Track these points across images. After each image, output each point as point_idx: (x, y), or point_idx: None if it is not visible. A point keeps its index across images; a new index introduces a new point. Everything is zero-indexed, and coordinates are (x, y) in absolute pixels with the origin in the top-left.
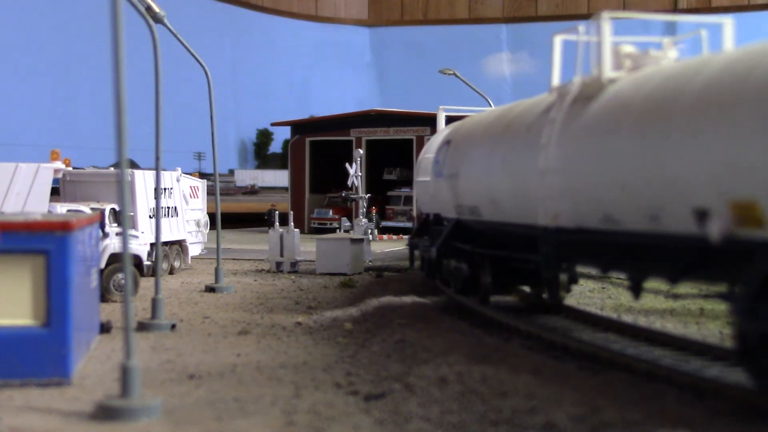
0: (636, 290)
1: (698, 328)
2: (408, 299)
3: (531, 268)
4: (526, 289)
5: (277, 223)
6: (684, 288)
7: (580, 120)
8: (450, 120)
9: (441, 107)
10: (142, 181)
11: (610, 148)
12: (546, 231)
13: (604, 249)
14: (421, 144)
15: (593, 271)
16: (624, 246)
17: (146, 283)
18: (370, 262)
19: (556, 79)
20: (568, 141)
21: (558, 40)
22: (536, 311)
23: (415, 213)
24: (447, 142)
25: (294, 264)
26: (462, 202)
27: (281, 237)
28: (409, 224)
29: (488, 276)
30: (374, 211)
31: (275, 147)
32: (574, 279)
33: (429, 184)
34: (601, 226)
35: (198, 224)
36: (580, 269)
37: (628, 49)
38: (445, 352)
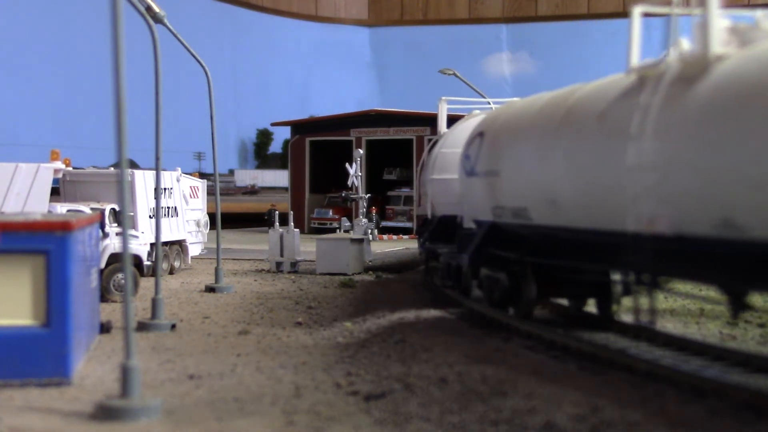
0: (738, 309)
1: (698, 328)
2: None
3: (587, 279)
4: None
5: (277, 223)
6: (684, 288)
7: (684, 105)
8: (450, 120)
9: (443, 98)
10: (142, 181)
11: (736, 138)
12: (638, 238)
13: (723, 262)
14: (421, 144)
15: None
16: (752, 258)
17: (146, 283)
18: (370, 262)
19: (635, 59)
20: (670, 131)
21: (637, 14)
22: (579, 325)
23: (428, 213)
24: (479, 135)
25: (294, 264)
26: (503, 203)
27: (281, 237)
28: (409, 224)
29: (533, 288)
30: (374, 211)
31: (275, 147)
32: (628, 290)
33: (452, 183)
34: (715, 233)
35: (198, 224)
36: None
37: (727, 23)
38: (445, 352)
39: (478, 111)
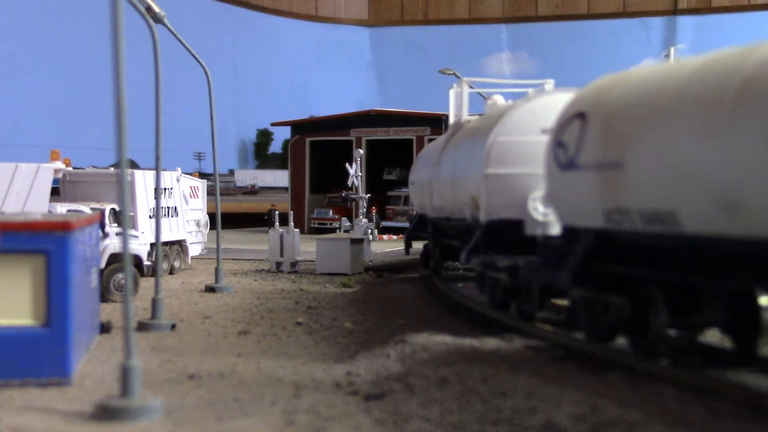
0: None
1: None
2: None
3: (725, 303)
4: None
5: (277, 223)
6: None
7: None
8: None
9: (464, 79)
10: (142, 181)
11: None
12: None
13: None
14: (421, 144)
15: None
16: None
17: (146, 283)
18: (370, 262)
19: None
20: None
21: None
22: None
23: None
24: (578, 117)
25: (294, 264)
26: (627, 204)
27: (281, 237)
28: (409, 224)
29: (663, 314)
30: (374, 211)
31: (275, 147)
32: None
33: (514, 180)
34: None
35: (198, 224)
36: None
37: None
38: (445, 352)
39: (498, 96)
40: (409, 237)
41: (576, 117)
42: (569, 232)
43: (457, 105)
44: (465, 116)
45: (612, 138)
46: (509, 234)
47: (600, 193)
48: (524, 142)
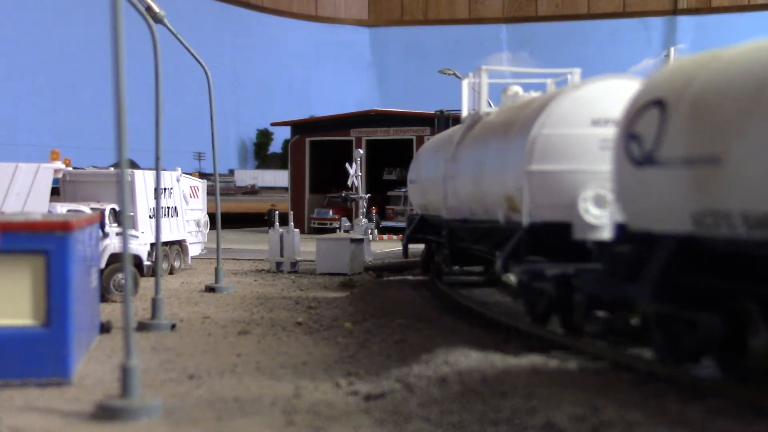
0: None
1: None
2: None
3: None
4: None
5: (277, 223)
6: None
7: None
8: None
9: (483, 67)
10: (142, 181)
11: None
12: None
13: None
14: (421, 144)
15: None
16: None
17: (146, 283)
18: (370, 262)
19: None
20: None
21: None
22: None
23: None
24: (656, 104)
25: (294, 264)
26: (727, 206)
27: (281, 237)
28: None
29: (765, 335)
30: (374, 211)
31: (275, 147)
32: None
33: (564, 177)
34: None
35: (198, 224)
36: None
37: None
38: (445, 352)
39: (517, 87)
40: (409, 240)
41: (652, 105)
42: (644, 237)
43: (472, 97)
44: (484, 108)
45: (705, 129)
46: (553, 238)
47: (688, 193)
48: (573, 135)
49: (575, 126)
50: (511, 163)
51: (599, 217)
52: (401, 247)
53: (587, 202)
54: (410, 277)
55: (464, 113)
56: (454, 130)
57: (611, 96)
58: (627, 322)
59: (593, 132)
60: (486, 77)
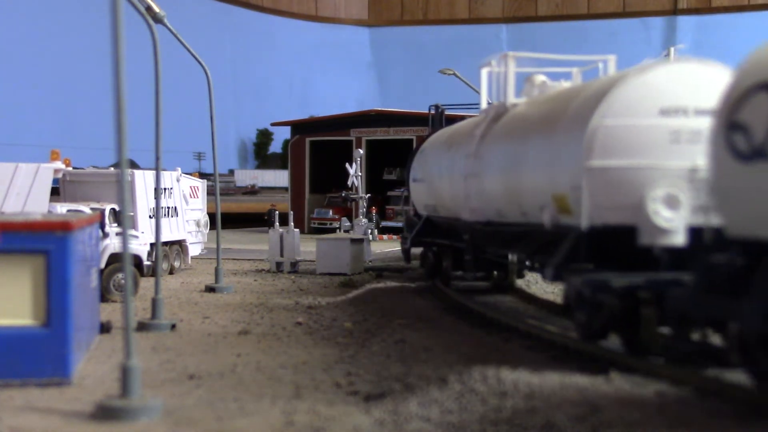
0: None
1: None
2: None
3: None
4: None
5: (277, 223)
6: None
7: None
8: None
9: (510, 54)
10: (142, 181)
11: None
12: None
13: None
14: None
15: None
16: None
17: (146, 283)
18: (370, 262)
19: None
20: None
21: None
22: None
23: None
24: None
25: (294, 264)
26: None
27: (281, 237)
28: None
29: None
30: (374, 211)
31: (275, 147)
32: None
33: (629, 174)
34: None
35: (198, 224)
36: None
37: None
38: (445, 352)
39: (543, 76)
40: (413, 244)
41: (761, 90)
42: (750, 245)
43: (495, 86)
44: (511, 99)
45: None
46: (615, 244)
47: None
48: (639, 127)
49: (642, 116)
50: (563, 158)
51: (670, 219)
52: (402, 251)
53: (657, 202)
54: (410, 277)
55: (483, 104)
56: (470, 124)
57: (682, 82)
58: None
59: (662, 123)
60: (513, 65)
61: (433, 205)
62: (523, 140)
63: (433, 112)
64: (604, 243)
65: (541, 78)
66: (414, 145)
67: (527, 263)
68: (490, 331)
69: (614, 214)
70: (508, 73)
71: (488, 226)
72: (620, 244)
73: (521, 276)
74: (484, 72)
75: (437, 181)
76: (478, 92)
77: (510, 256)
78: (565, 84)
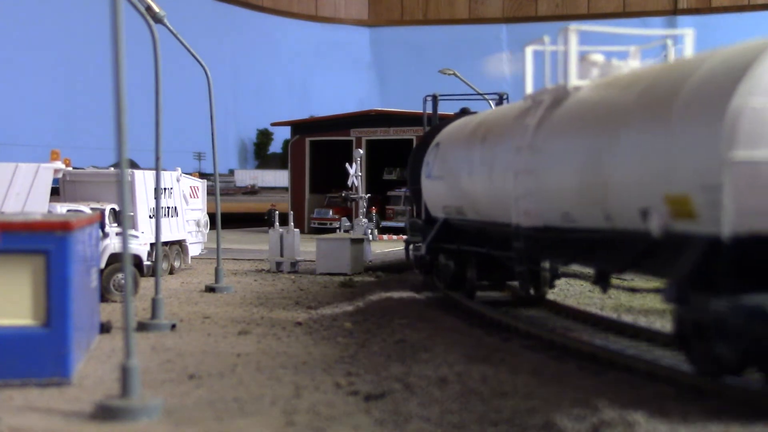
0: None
1: None
2: None
3: None
4: None
5: (277, 223)
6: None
7: None
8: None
9: (572, 28)
10: (142, 181)
11: None
12: None
13: None
14: None
15: (588, 271)
16: None
17: (146, 283)
18: (370, 262)
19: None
20: None
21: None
22: None
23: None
24: None
25: (294, 264)
26: None
27: (281, 237)
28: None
29: None
30: (374, 211)
31: (275, 147)
32: None
33: None
34: None
35: (198, 224)
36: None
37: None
38: (445, 352)
39: (601, 55)
40: (430, 250)
41: None
42: None
43: (551, 66)
44: (574, 81)
45: None
46: (764, 257)
47: None
48: None
49: None
50: (685, 151)
51: None
52: (406, 254)
53: None
54: (410, 277)
55: (528, 89)
56: (511, 111)
57: None
58: None
59: None
60: (575, 40)
61: (457, 206)
62: (609, 129)
63: (429, 115)
64: (748, 256)
65: (599, 57)
66: (414, 146)
67: (596, 276)
68: (490, 331)
69: (765, 221)
70: (569, 51)
71: (547, 233)
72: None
73: (552, 286)
74: (530, 51)
75: (465, 179)
76: (478, 92)
77: (543, 263)
78: (633, 63)
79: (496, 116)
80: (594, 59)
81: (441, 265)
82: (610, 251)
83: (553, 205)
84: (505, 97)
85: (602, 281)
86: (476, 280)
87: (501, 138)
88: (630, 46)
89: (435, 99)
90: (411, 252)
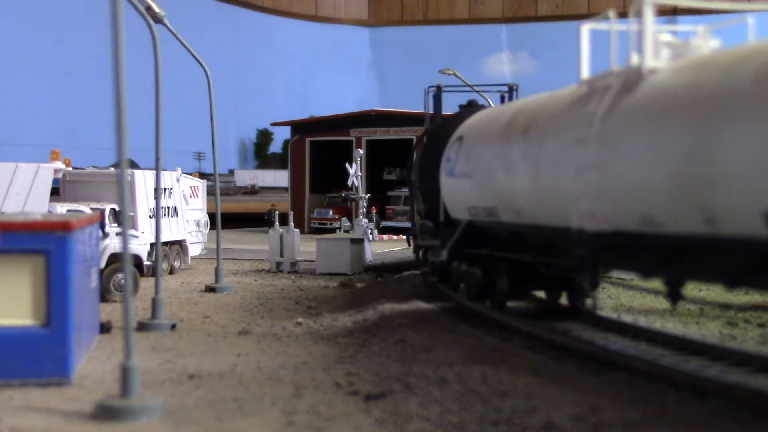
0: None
1: (698, 328)
2: None
3: None
4: None
5: (277, 223)
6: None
7: None
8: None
9: (647, 1)
10: (142, 181)
11: None
12: None
13: None
14: None
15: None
16: None
17: (146, 283)
18: (370, 262)
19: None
20: None
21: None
22: None
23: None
24: None
25: (294, 264)
26: None
27: (281, 237)
28: (409, 224)
29: None
30: (374, 211)
31: (275, 147)
32: None
33: None
34: None
35: (198, 224)
36: None
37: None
38: (445, 352)
39: (669, 35)
40: (452, 255)
41: None
42: None
43: (612, 48)
44: (650, 62)
45: None
46: None
47: None
48: None
49: None
50: None
51: None
52: (403, 247)
53: None
54: (410, 278)
55: (584, 72)
56: (562, 99)
57: None
58: None
59: None
60: (652, 16)
61: (487, 207)
62: (718, 118)
63: (431, 115)
64: None
65: (667, 36)
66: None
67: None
68: (490, 331)
69: None
70: (644, 28)
71: (620, 239)
72: None
73: (590, 297)
74: (586, 30)
75: (500, 177)
76: (478, 92)
77: (605, 273)
78: (712, 43)
79: (539, 105)
80: (664, 39)
81: (463, 273)
82: (708, 262)
83: (630, 206)
84: (515, 88)
85: (674, 295)
86: (507, 289)
87: (551, 129)
88: (698, 26)
89: (439, 90)
90: (428, 258)
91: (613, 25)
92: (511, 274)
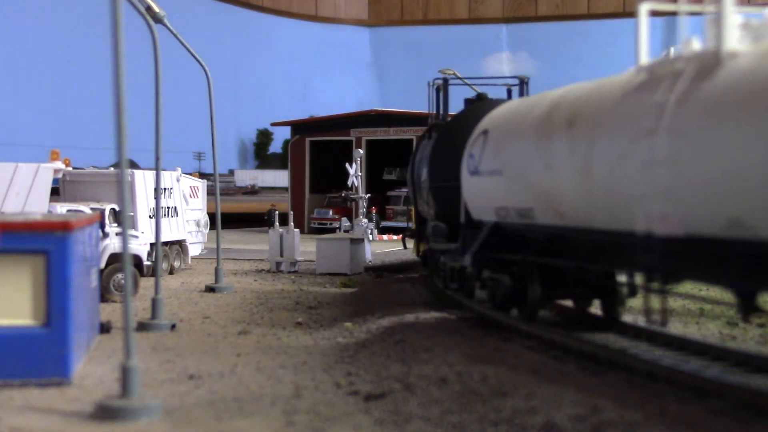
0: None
1: (698, 328)
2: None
3: None
4: None
5: (277, 223)
6: (684, 288)
7: None
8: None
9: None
10: (142, 181)
11: None
12: None
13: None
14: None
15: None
16: None
17: (146, 283)
18: (370, 262)
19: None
20: None
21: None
22: None
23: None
24: None
25: (294, 264)
26: None
27: (281, 237)
28: (409, 224)
29: None
30: (374, 211)
31: (275, 147)
32: None
33: None
34: None
35: (198, 224)
36: None
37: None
38: (445, 352)
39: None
40: (476, 261)
41: None
42: None
43: (682, 30)
44: (730, 45)
45: None
46: None
47: None
48: None
49: None
50: None
51: None
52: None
53: None
54: (410, 277)
55: (643, 58)
56: (614, 86)
57: None
58: None
59: None
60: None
61: (521, 207)
62: None
63: (435, 116)
64: None
65: (739, 17)
66: (414, 146)
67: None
68: (490, 331)
69: None
70: (724, 7)
71: (695, 244)
72: None
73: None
74: (644, 9)
75: (539, 174)
76: (478, 93)
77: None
78: None
79: (584, 94)
80: (739, 20)
81: (485, 279)
82: None
83: (712, 208)
84: (526, 81)
85: (748, 306)
86: (539, 298)
87: (605, 121)
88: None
89: (445, 83)
90: (440, 261)
91: (681, 6)
92: (543, 282)
